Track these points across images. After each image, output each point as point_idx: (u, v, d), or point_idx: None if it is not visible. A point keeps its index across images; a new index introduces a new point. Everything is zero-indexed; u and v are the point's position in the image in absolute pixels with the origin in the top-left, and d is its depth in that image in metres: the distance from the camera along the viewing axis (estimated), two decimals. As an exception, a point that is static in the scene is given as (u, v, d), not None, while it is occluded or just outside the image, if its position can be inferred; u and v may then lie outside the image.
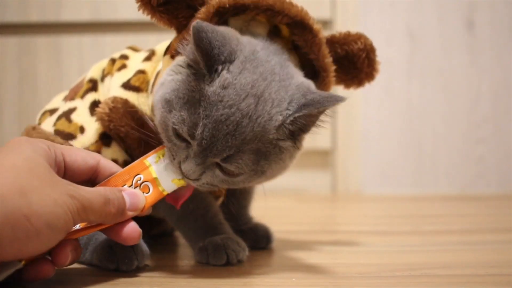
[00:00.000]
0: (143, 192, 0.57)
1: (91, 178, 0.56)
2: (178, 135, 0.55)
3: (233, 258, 0.62)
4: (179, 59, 0.58)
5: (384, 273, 0.61)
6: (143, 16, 0.62)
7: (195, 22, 0.53)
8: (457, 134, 1.53)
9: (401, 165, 1.54)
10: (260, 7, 0.60)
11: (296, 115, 0.54)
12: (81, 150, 0.56)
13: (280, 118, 0.54)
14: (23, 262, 0.49)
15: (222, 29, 0.56)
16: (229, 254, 0.62)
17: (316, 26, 0.62)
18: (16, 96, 1.50)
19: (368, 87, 0.71)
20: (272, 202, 1.30)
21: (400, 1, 1.52)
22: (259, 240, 0.74)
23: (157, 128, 0.61)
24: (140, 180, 0.57)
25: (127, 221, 0.55)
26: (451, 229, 0.94)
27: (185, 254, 0.72)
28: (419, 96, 1.53)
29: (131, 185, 0.57)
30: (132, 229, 0.55)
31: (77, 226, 0.53)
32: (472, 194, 1.47)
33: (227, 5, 0.59)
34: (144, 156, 0.59)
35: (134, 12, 0.62)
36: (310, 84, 0.58)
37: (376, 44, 0.68)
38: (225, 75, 0.54)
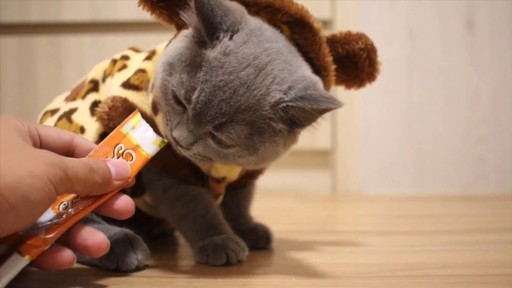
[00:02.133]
0: (126, 160, 0.56)
1: (68, 154, 0.55)
2: (176, 99, 0.55)
3: (232, 258, 0.62)
4: (184, 32, 0.59)
5: (384, 273, 0.61)
6: (143, 16, 0.62)
7: None
8: (457, 134, 1.53)
9: (401, 165, 1.54)
10: (260, 4, 0.60)
11: (290, 104, 0.54)
12: (55, 128, 0.56)
13: (277, 96, 0.54)
14: (26, 257, 0.48)
15: (228, 2, 0.56)
16: (229, 254, 0.62)
17: (316, 25, 0.62)
18: (16, 96, 1.50)
19: (368, 87, 0.71)
20: (272, 202, 1.30)
21: (400, 1, 1.52)
22: (259, 240, 0.74)
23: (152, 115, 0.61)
24: (121, 149, 0.57)
25: (118, 194, 0.54)
26: (451, 229, 0.94)
27: (185, 254, 0.72)
28: (419, 96, 1.53)
29: (113, 156, 0.56)
30: (125, 202, 0.54)
31: (71, 211, 0.52)
32: (472, 194, 1.47)
33: None
34: (119, 125, 0.58)
35: (134, 12, 0.62)
36: (318, 81, 0.58)
37: (376, 44, 0.68)
38: (227, 42, 0.54)
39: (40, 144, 0.53)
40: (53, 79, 1.49)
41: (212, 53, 0.54)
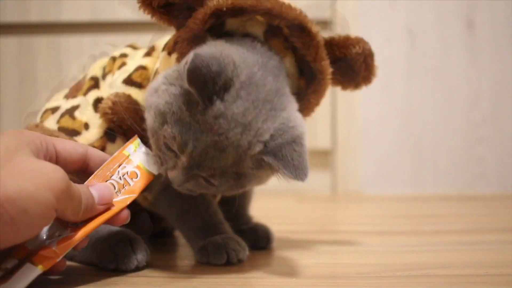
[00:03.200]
0: (131, 178, 0.58)
1: (83, 167, 0.56)
2: (168, 147, 0.56)
3: (233, 257, 0.62)
4: (174, 68, 0.58)
5: (384, 273, 0.61)
6: (143, 16, 0.62)
7: (192, 55, 0.52)
8: (456, 134, 1.53)
9: (401, 165, 1.54)
10: (258, 11, 0.60)
11: (264, 157, 0.55)
12: (71, 141, 0.57)
13: (257, 149, 0.55)
14: (39, 267, 0.49)
15: (219, 52, 0.54)
16: (229, 254, 0.62)
17: (315, 29, 0.61)
18: (16, 96, 1.50)
19: (368, 87, 0.71)
20: (272, 202, 1.30)
21: (400, 1, 1.52)
22: (259, 240, 0.74)
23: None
24: (125, 168, 0.59)
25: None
26: (451, 229, 0.94)
27: (185, 254, 0.72)
28: (419, 96, 1.53)
29: (118, 174, 0.58)
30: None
31: (79, 224, 0.53)
32: (472, 194, 1.47)
33: (225, 8, 0.59)
34: (122, 147, 0.60)
35: (134, 12, 0.62)
36: (299, 134, 0.57)
37: (376, 43, 0.68)
38: (218, 105, 0.54)
39: (57, 158, 0.54)
40: (53, 79, 1.49)
41: (202, 117, 0.54)
